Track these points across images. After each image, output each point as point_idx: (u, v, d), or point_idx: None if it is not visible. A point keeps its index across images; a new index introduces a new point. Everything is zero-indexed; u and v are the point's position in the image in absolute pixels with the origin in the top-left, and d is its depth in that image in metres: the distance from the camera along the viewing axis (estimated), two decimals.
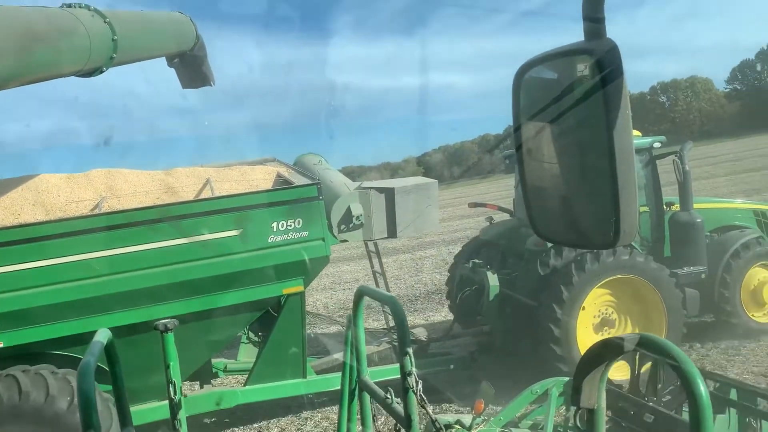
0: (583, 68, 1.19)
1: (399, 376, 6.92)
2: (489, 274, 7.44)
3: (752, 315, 7.91)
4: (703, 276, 7.63)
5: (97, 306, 5.66)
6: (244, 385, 6.76)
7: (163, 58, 6.88)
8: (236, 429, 7.28)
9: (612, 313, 7.19)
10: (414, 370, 2.75)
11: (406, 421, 2.75)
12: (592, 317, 7.14)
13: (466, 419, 3.70)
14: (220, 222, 5.94)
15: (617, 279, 6.93)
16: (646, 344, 1.79)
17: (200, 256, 5.92)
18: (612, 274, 6.84)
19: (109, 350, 3.12)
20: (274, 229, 6.07)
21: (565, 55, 1.25)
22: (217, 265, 5.96)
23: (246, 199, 6.10)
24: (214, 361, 7.37)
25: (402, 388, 2.76)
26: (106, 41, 4.70)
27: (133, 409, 6.08)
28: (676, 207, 7.96)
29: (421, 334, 7.77)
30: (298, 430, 7.13)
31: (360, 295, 3.37)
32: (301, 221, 6.14)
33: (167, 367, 3.87)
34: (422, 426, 3.14)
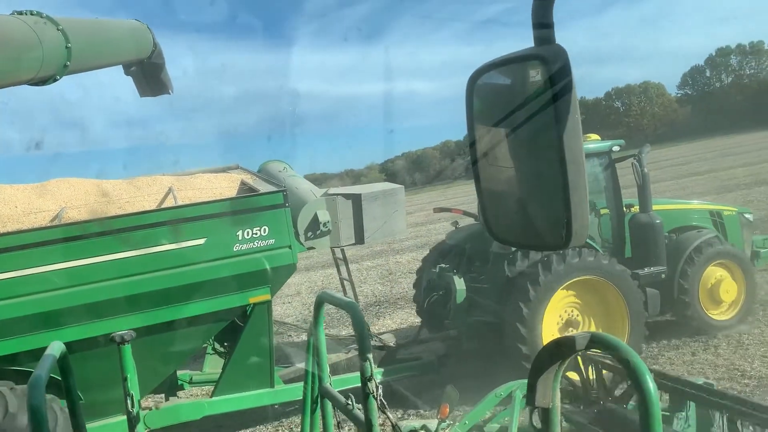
0: (534, 74, 1.21)
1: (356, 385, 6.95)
2: (455, 278, 7.48)
3: (710, 313, 8.13)
4: (663, 276, 7.81)
5: (57, 319, 5.51)
6: (211, 396, 6.64)
7: (120, 66, 6.75)
8: None
9: (576, 314, 7.30)
10: (375, 375, 2.74)
11: (367, 426, 2.75)
12: (557, 318, 7.24)
13: (432, 424, 3.71)
14: (184, 231, 5.84)
15: (582, 280, 7.05)
16: (597, 342, 1.83)
17: (164, 266, 5.81)
18: (577, 275, 6.95)
19: (62, 363, 3.07)
20: (240, 238, 6.00)
21: (516, 60, 1.27)
22: (182, 275, 5.85)
23: (210, 208, 6.02)
24: (179, 372, 7.25)
25: (362, 394, 2.75)
26: (59, 49, 4.58)
27: (95, 424, 6.00)
28: (636, 209, 8.13)
29: (389, 339, 7.77)
30: None
31: (320, 301, 3.35)
32: (267, 229, 6.08)
33: (125, 379, 3.84)
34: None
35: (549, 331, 7.06)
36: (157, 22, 7.40)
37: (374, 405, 2.74)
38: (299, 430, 3.78)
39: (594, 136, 8.74)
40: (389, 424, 2.94)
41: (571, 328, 7.29)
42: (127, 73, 7.03)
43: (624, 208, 8.06)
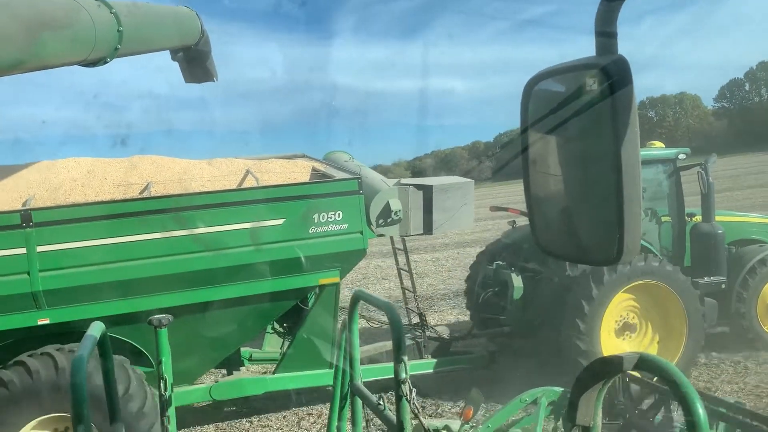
0: (592, 83, 1.18)
1: (389, 376, 6.98)
2: (513, 275, 7.59)
3: (766, 327, 8.11)
4: (723, 286, 7.82)
5: (146, 287, 5.75)
6: (273, 373, 6.86)
7: (167, 52, 6.91)
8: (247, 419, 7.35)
9: (634, 317, 7.36)
10: (408, 378, 2.73)
11: (399, 428, 2.74)
12: (614, 321, 7.29)
13: (455, 425, 3.72)
14: (265, 211, 6.03)
15: (643, 284, 7.08)
16: (645, 364, 1.78)
17: (243, 243, 6.00)
18: (639, 279, 6.99)
19: (102, 344, 3.10)
20: (316, 221, 6.17)
21: (577, 69, 1.25)
22: (260, 253, 6.04)
23: (290, 190, 6.20)
24: (240, 350, 7.45)
25: (396, 396, 2.74)
26: (111, 32, 4.70)
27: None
28: (697, 218, 8.15)
29: (443, 332, 7.89)
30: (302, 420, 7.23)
31: (356, 299, 3.30)
32: (341, 214, 6.24)
33: (159, 362, 3.80)
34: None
35: (606, 332, 7.12)
36: (205, 9, 7.56)
37: (407, 407, 2.72)
38: (327, 422, 3.78)
39: (658, 144, 8.76)
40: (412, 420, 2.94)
41: (627, 332, 7.34)
42: (173, 58, 7.18)
43: (686, 217, 8.08)
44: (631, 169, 1.12)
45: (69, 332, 5.64)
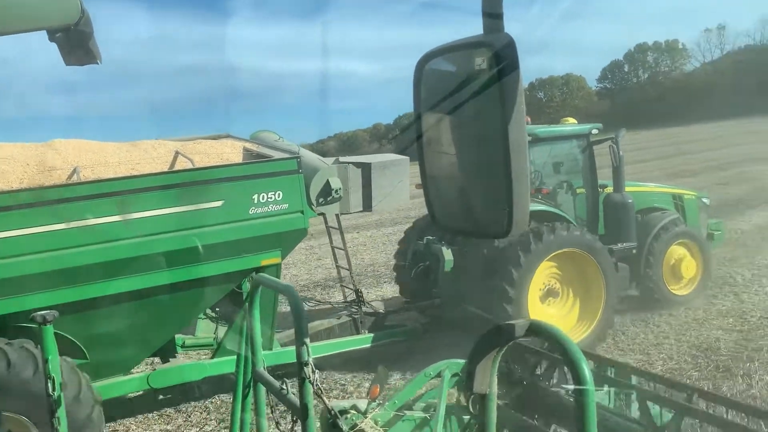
0: (481, 61, 1.21)
1: (348, 348, 7.02)
2: (443, 249, 7.82)
3: (671, 288, 8.86)
4: (633, 251, 8.45)
5: (81, 276, 5.51)
6: (212, 358, 6.80)
7: (44, 32, 6.58)
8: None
9: (556, 284, 7.81)
10: (311, 360, 2.72)
11: (302, 411, 2.73)
12: (539, 289, 7.72)
13: (362, 404, 3.71)
14: (203, 193, 5.91)
15: (564, 252, 7.52)
16: (535, 329, 1.85)
17: (181, 227, 5.87)
18: (563, 247, 7.43)
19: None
20: (255, 201, 6.11)
21: (465, 47, 1.27)
22: (199, 236, 5.92)
23: (229, 171, 6.10)
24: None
25: (299, 379, 2.73)
26: None
27: (101, 383, 6.01)
28: (608, 189, 8.72)
29: (379, 307, 8.06)
30: None
31: (256, 285, 3.29)
32: (281, 194, 6.21)
33: (46, 361, 3.63)
34: (318, 413, 3.17)
35: (532, 299, 7.52)
36: None
37: (310, 390, 2.72)
38: (230, 413, 3.72)
39: (571, 120, 9.27)
40: (317, 405, 2.94)
41: (551, 298, 7.79)
42: (51, 39, 6.84)
43: (599, 188, 8.63)
44: (518, 147, 1.15)
45: None
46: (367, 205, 7.00)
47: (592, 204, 8.58)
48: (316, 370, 2.73)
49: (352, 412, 3.57)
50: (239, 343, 3.54)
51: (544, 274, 7.70)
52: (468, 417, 3.73)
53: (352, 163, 6.96)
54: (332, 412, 3.05)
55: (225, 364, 6.63)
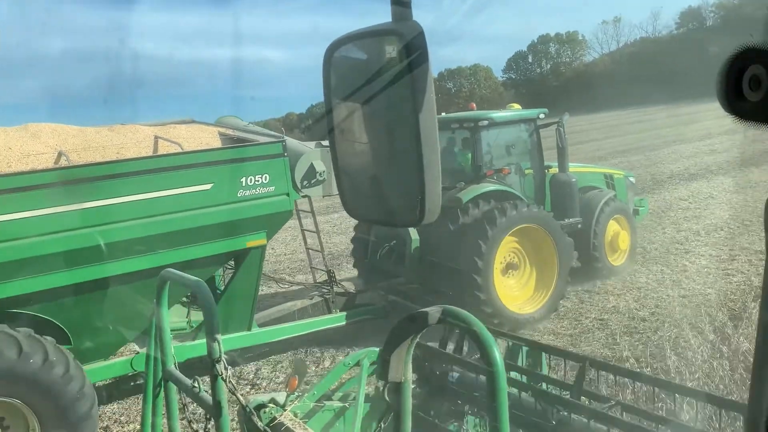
0: (391, 50, 1.19)
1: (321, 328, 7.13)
2: (410, 229, 8.16)
3: (610, 259, 9.66)
4: (579, 226, 9.14)
5: (72, 259, 5.52)
6: (194, 340, 6.82)
7: None
8: None
9: (515, 258, 8.37)
10: (223, 357, 2.67)
11: (216, 409, 2.68)
12: (500, 262, 8.24)
13: (280, 397, 3.62)
14: (195, 176, 5.99)
15: (524, 228, 8.08)
16: (448, 316, 1.89)
17: (172, 210, 5.94)
18: (523, 223, 7.98)
19: None
20: (243, 184, 6.26)
21: (373, 35, 1.26)
22: (189, 219, 6.01)
23: (218, 155, 6.22)
24: None
25: (211, 376, 2.68)
26: None
27: (89, 367, 6.01)
28: (553, 170, 9.36)
29: (349, 287, 8.35)
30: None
31: (164, 280, 3.17)
32: (267, 177, 6.38)
33: None
34: (235, 409, 3.07)
35: (495, 272, 8.03)
36: None
37: (223, 387, 2.67)
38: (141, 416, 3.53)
39: (516, 105, 9.84)
40: (234, 402, 2.90)
41: (511, 270, 8.33)
42: None
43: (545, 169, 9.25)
44: (429, 136, 1.14)
45: None
46: None
47: (540, 183, 9.18)
48: (229, 367, 2.68)
49: (271, 405, 3.49)
50: (148, 343, 3.36)
51: (505, 248, 8.22)
52: (386, 405, 3.78)
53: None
54: (248, 408, 2.96)
55: (205, 346, 6.73)
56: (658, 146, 28.01)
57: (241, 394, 2.87)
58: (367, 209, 1.46)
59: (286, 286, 8.30)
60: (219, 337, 2.68)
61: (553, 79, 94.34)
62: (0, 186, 5.12)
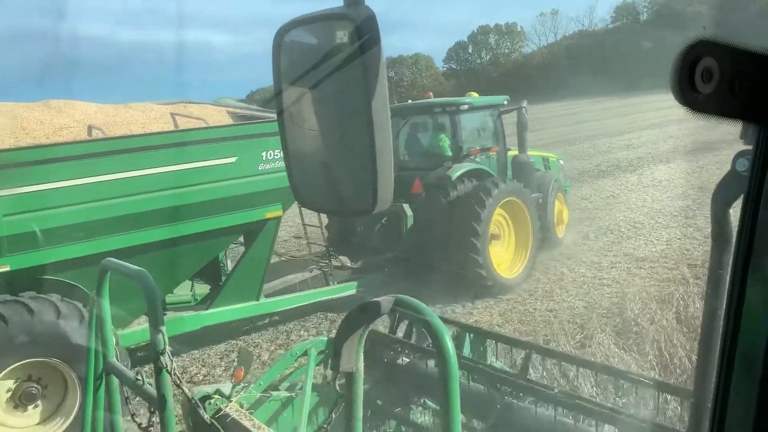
0: (342, 35, 1.18)
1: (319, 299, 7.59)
2: (405, 206, 8.84)
3: (555, 231, 10.64)
4: (540, 201, 10.01)
5: (108, 228, 5.87)
6: (208, 309, 7.20)
7: None
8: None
9: (497, 229, 9.12)
10: (167, 349, 2.64)
11: (160, 402, 2.64)
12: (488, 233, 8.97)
13: (226, 388, 3.56)
14: (221, 150, 6.41)
15: (508, 201, 8.85)
16: (401, 305, 1.89)
17: (200, 182, 6.34)
18: (509, 196, 8.78)
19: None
20: (264, 158, 6.71)
21: (323, 19, 1.24)
22: (215, 190, 6.43)
23: (244, 130, 6.65)
24: None
25: (155, 368, 2.64)
26: None
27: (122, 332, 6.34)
28: (512, 152, 10.14)
29: (345, 261, 8.88)
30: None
31: (104, 270, 3.09)
32: None
33: None
34: (179, 401, 3.06)
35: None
36: None
37: (168, 380, 2.62)
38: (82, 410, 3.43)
39: (474, 94, 10.66)
40: (179, 394, 2.88)
41: (494, 240, 9.05)
42: None
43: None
44: (382, 123, 1.12)
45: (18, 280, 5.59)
46: None
47: (503, 163, 10.00)
48: (174, 359, 2.64)
49: (216, 397, 3.45)
50: (88, 335, 3.28)
51: (493, 219, 8.91)
52: (335, 395, 3.70)
53: None
54: (193, 400, 2.91)
55: (219, 315, 7.21)
56: (581, 140, 28.13)
57: (186, 386, 2.81)
58: (318, 198, 1.43)
59: (287, 259, 8.74)
60: (163, 328, 2.63)
61: (492, 70, 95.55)
62: (48, 155, 5.43)
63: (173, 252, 6.47)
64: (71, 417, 5.42)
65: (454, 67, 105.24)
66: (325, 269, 8.56)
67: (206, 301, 7.39)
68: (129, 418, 3.18)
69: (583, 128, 33.40)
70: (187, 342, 7.50)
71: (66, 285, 5.83)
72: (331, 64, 1.19)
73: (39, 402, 5.39)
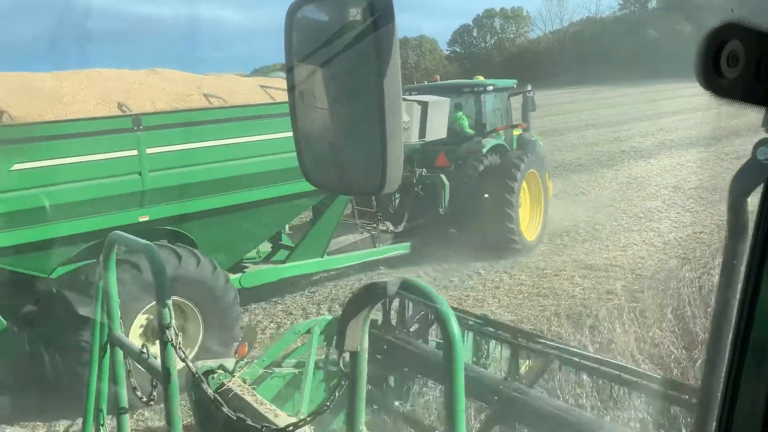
0: (355, 12, 1.15)
1: (368, 259, 8.81)
2: (443, 176, 10.02)
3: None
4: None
5: (227, 185, 6.81)
6: (284, 263, 8.16)
7: None
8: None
9: (519, 197, 10.31)
10: (173, 323, 2.64)
11: (164, 375, 2.66)
12: None
13: (229, 363, 3.56)
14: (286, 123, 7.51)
15: (529, 173, 10.19)
16: (407, 287, 1.90)
17: (270, 152, 7.04)
18: (531, 168, 10.16)
19: None
20: None
21: None
22: (286, 159, 6.67)
23: None
24: None
25: (160, 342, 2.67)
26: None
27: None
28: (516, 131, 11.31)
29: (389, 225, 10.07)
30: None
31: (111, 243, 3.12)
32: None
33: None
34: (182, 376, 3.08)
35: None
36: None
37: (173, 353, 2.64)
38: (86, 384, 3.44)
39: (480, 77, 11.86)
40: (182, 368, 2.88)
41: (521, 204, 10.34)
42: None
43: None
44: (393, 104, 1.11)
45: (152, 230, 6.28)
46: (422, 136, 8.64)
47: (509, 140, 11.16)
48: (179, 334, 2.66)
49: (219, 371, 3.47)
50: (94, 307, 3.29)
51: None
52: (338, 372, 3.60)
53: (415, 100, 8.56)
54: (197, 374, 2.93)
55: (292, 269, 8.21)
56: (570, 130, 27.87)
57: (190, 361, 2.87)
58: (326, 177, 1.41)
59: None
60: (169, 302, 2.63)
61: (497, 55, 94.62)
62: (194, 118, 6.51)
63: (262, 211, 7.30)
64: (195, 348, 6.14)
65: (458, 50, 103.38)
66: (373, 232, 9.61)
67: (281, 258, 8.34)
68: (132, 391, 3.17)
69: (575, 118, 33.15)
70: (255, 297, 8.36)
71: (179, 234, 6.69)
72: (344, 42, 1.18)
73: None
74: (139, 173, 6.12)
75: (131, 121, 6.08)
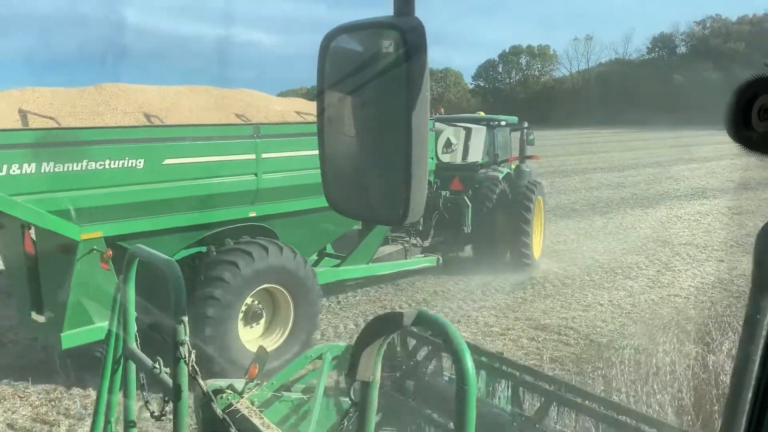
0: (388, 44, 1.17)
1: (400, 269, 9.34)
2: (466, 198, 10.39)
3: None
4: None
5: (299, 192, 7.18)
6: (339, 266, 8.75)
7: None
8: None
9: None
10: (187, 339, 2.69)
11: (176, 392, 2.68)
12: None
13: (239, 384, 3.55)
14: None
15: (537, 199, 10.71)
16: (423, 319, 1.87)
17: None
18: (539, 196, 10.71)
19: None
20: None
21: (372, 27, 1.25)
22: None
23: None
24: None
25: (173, 358, 2.67)
26: None
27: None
28: (515, 163, 11.71)
29: (418, 240, 10.54)
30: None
31: (132, 257, 3.16)
32: None
33: None
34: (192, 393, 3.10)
35: None
36: None
37: (185, 370, 2.66)
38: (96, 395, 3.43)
39: (481, 113, 12.44)
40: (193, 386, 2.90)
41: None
42: None
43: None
44: (420, 135, 1.11)
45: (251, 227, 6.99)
46: (465, 157, 9.82)
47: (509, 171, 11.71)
48: (192, 351, 2.66)
49: (228, 391, 3.47)
50: (111, 319, 3.30)
51: None
52: (348, 401, 3.65)
53: (460, 126, 9.94)
54: (207, 393, 2.94)
55: (344, 272, 8.75)
56: (577, 172, 27.42)
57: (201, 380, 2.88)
58: (348, 203, 1.40)
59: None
60: (185, 318, 2.65)
61: (520, 91, 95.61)
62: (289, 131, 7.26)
63: (332, 215, 7.56)
64: (287, 332, 6.89)
65: (482, 84, 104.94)
66: (405, 245, 10.11)
67: (336, 262, 8.87)
68: (142, 404, 3.14)
69: (588, 159, 32.84)
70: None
71: (261, 228, 7.18)
72: (375, 72, 1.21)
73: (262, 319, 6.78)
74: (255, 174, 6.95)
75: (252, 129, 6.96)
